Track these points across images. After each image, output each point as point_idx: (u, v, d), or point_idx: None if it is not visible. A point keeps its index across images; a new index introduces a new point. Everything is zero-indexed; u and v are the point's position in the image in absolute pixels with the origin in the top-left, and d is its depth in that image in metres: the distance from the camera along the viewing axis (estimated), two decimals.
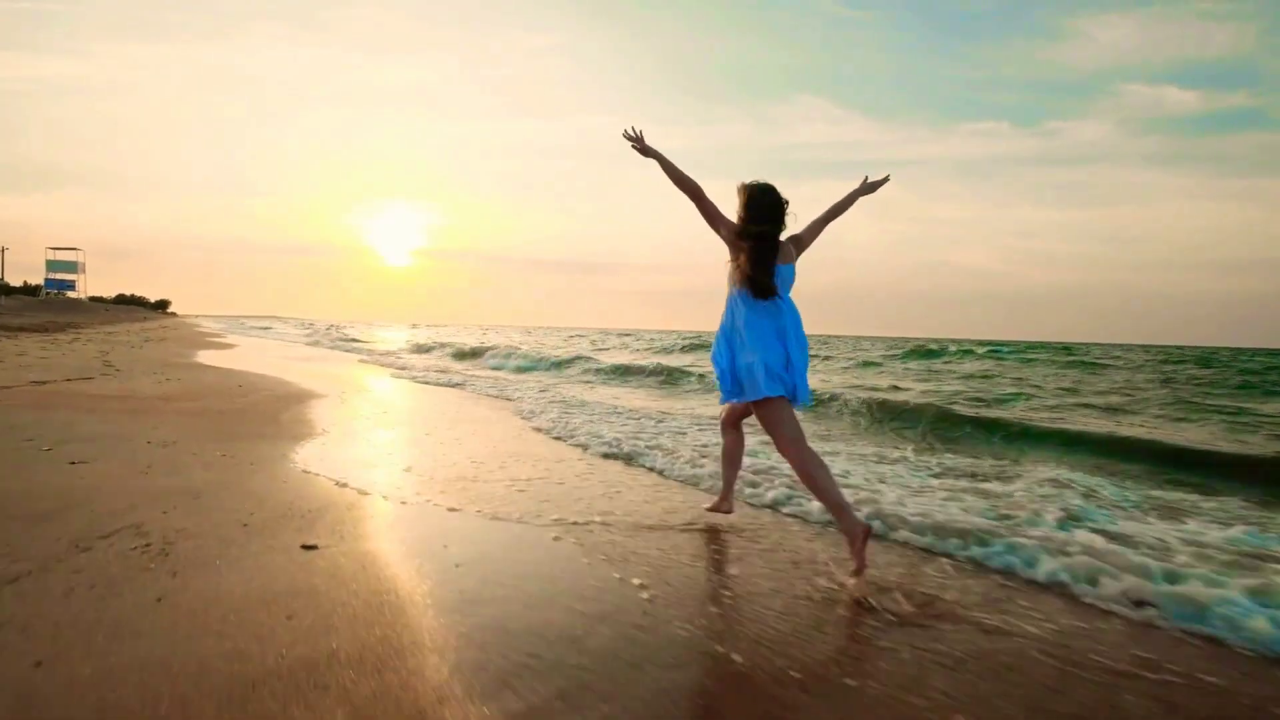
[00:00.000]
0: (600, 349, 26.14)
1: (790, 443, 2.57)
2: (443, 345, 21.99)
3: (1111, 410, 8.62)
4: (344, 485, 3.62)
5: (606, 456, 4.81)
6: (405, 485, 3.72)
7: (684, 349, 22.79)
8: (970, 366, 16.97)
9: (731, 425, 3.05)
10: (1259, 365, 19.97)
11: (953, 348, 25.53)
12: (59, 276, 69.37)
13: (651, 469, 4.44)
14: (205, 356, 13.96)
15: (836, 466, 4.41)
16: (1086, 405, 9.08)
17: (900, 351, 23.28)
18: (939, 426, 6.65)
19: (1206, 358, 25.35)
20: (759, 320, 2.58)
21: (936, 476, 4.35)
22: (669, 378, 11.57)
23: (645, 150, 2.73)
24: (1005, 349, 30.43)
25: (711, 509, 3.18)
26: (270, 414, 6.13)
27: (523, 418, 6.77)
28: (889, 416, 7.01)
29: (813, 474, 2.51)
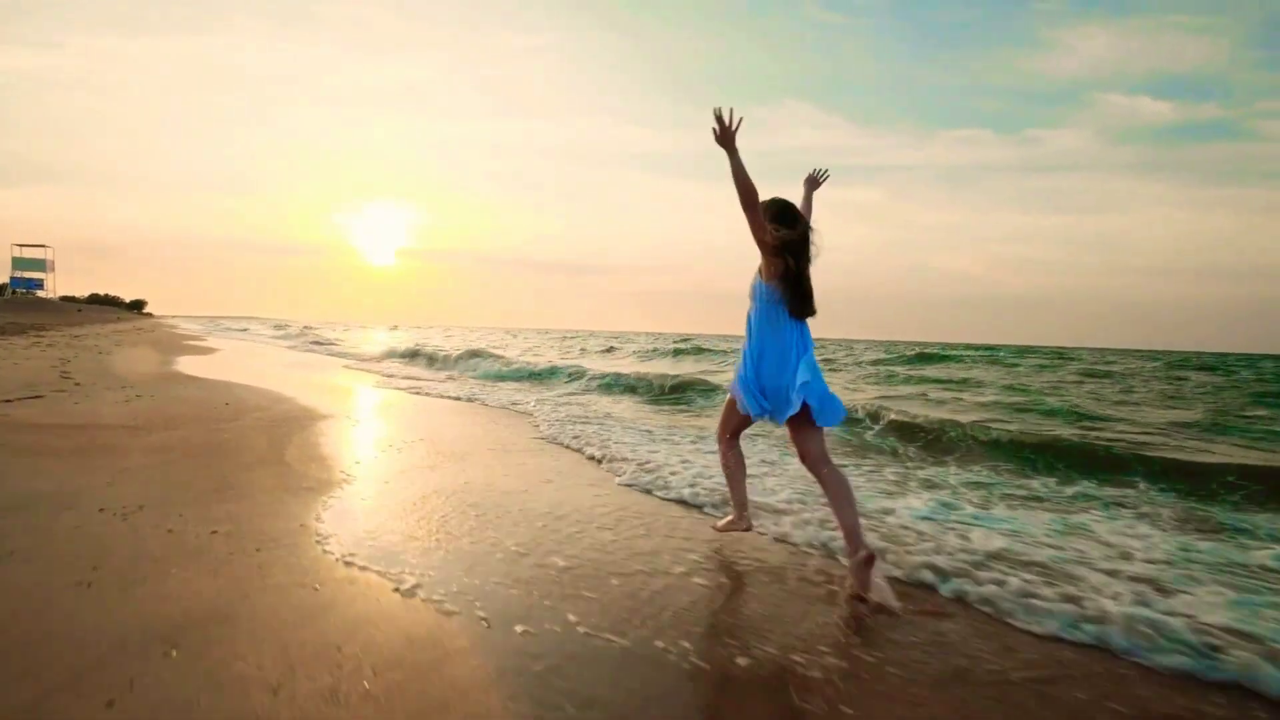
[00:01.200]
0: (596, 352, 24.80)
1: (821, 460, 2.56)
2: (425, 347, 20.51)
3: (1219, 430, 7.45)
4: (419, 596, 2.27)
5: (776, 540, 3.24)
6: (537, 594, 2.36)
7: (692, 354, 21.50)
8: (983, 374, 15.97)
9: (732, 437, 2.93)
10: (1265, 372, 19.34)
11: (942, 352, 24.87)
12: (26, 275, 66.52)
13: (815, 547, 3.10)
14: (184, 363, 12.40)
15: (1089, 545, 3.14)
16: (1181, 425, 7.85)
17: (894, 356, 22.32)
18: (1089, 464, 5.31)
19: (1213, 364, 24.77)
20: (791, 337, 2.58)
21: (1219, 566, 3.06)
22: (688, 394, 10.08)
23: (728, 140, 2.44)
24: (996, 352, 29.78)
25: (725, 528, 3.03)
26: (272, 447, 4.72)
27: (595, 463, 5.42)
28: (1027, 450, 5.71)
29: (837, 494, 2.51)
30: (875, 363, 19.38)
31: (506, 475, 4.36)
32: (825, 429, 2.56)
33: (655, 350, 24.24)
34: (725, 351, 22.43)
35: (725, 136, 2.43)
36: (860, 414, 6.93)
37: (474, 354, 16.30)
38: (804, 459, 2.58)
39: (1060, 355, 30.74)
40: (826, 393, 2.50)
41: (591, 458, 5.06)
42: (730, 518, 3.01)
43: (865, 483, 4.40)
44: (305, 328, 49.67)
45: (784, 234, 2.52)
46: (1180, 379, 16.73)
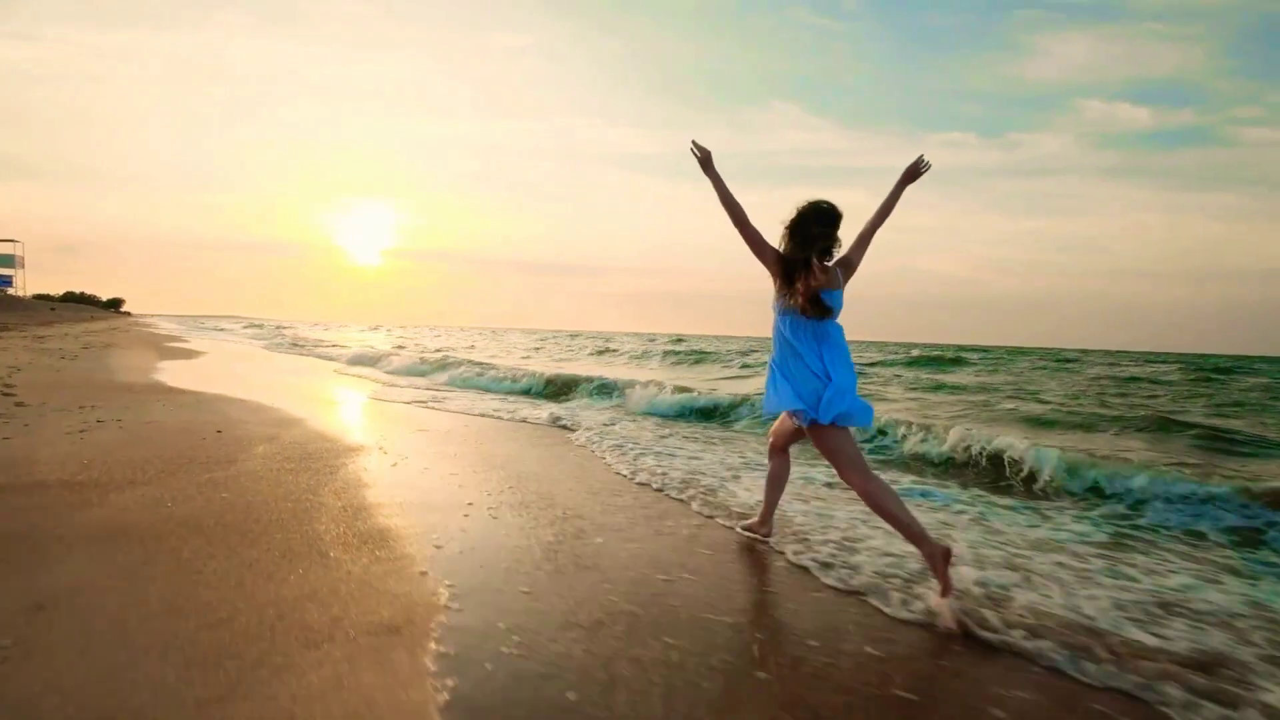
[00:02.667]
0: (598, 354, 23.07)
1: (856, 471, 2.51)
2: (415, 350, 18.65)
3: None
4: None
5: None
6: None
7: (695, 360, 19.81)
8: (1002, 380, 14.72)
9: (781, 449, 2.97)
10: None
11: (934, 354, 23.85)
12: None
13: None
14: (163, 370, 10.54)
15: None
16: None
17: (901, 358, 20.96)
18: None
19: (1229, 366, 23.94)
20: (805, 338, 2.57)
21: None
22: (726, 414, 8.19)
23: (707, 167, 2.65)
24: (986, 354, 28.80)
25: (748, 528, 3.12)
26: (301, 517, 3.01)
27: (728, 528, 3.74)
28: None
29: (883, 502, 2.45)
30: (873, 364, 18.11)
31: (678, 553, 2.68)
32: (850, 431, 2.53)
33: (670, 353, 22.55)
34: (720, 353, 20.92)
35: (705, 163, 2.64)
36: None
37: (472, 363, 14.33)
38: (836, 469, 2.54)
39: (1050, 357, 29.55)
40: (838, 393, 2.48)
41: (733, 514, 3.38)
42: (755, 520, 3.11)
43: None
44: (280, 327, 47.49)
45: (782, 253, 2.56)
46: (1206, 379, 15.65)
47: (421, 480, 4.03)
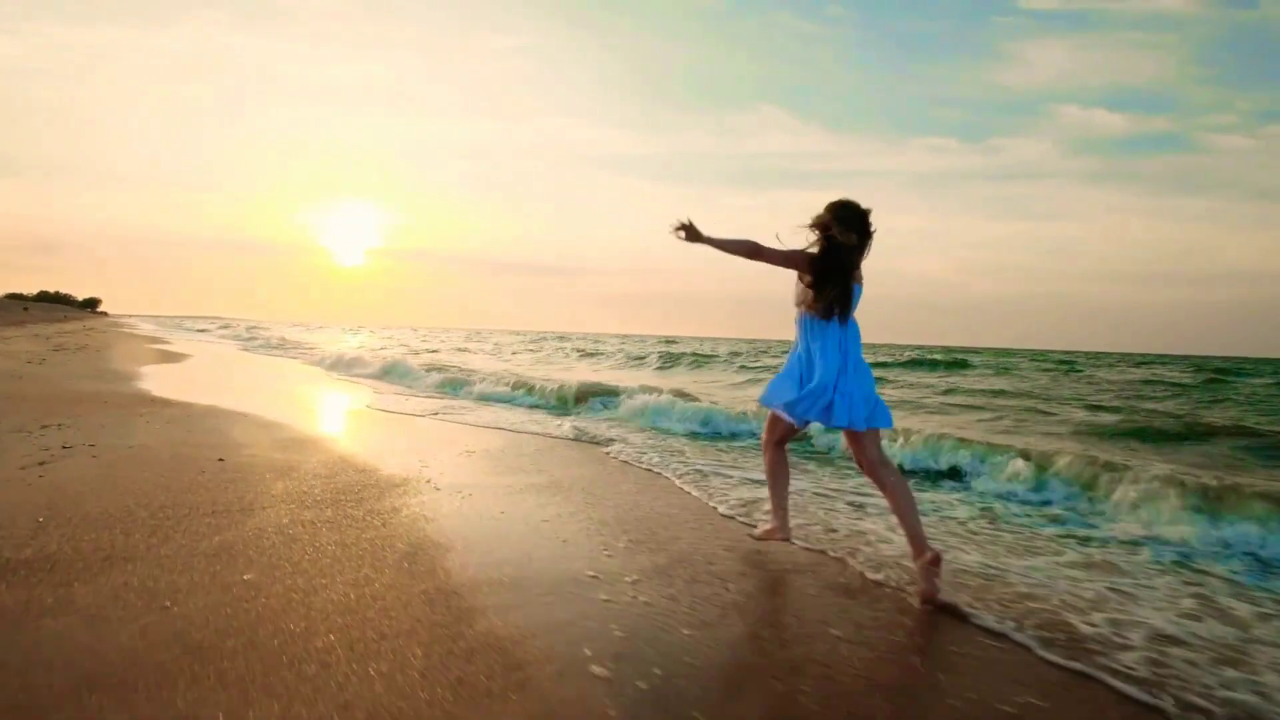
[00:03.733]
0: (575, 357, 22.06)
1: (878, 464, 2.50)
2: (405, 353, 17.49)
3: None
4: None
5: None
6: None
7: (694, 364, 18.83)
8: (1016, 384, 13.99)
9: (776, 444, 2.78)
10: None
11: (926, 357, 23.27)
12: None
13: None
14: (146, 376, 9.33)
15: None
16: None
17: (892, 360, 20.21)
18: None
19: (1220, 366, 23.76)
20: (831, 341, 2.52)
21: None
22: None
23: (695, 239, 2.52)
24: (974, 355, 28.35)
25: (763, 536, 2.84)
26: (372, 622, 1.95)
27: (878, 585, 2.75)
28: None
29: (899, 496, 2.46)
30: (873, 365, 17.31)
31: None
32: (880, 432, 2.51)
33: (665, 355, 21.57)
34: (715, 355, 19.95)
35: (691, 236, 2.50)
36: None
37: (471, 370, 13.13)
38: (860, 465, 2.54)
39: (1038, 358, 29.03)
40: (859, 397, 2.45)
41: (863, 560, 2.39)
42: (769, 526, 2.82)
43: None
44: (253, 327, 45.91)
45: (817, 277, 2.48)
46: (1217, 381, 15.09)
47: (507, 531, 2.98)
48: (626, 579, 2.45)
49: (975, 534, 3.34)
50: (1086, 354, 46.82)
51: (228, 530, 2.72)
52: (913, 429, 5.69)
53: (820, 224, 2.46)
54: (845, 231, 2.40)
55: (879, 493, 2.59)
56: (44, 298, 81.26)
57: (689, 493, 3.99)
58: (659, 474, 4.52)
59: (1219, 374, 18.08)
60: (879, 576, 2.62)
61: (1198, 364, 26.70)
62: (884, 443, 2.57)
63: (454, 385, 10.33)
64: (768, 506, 2.89)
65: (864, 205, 2.46)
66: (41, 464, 3.63)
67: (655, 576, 2.50)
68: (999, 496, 4.28)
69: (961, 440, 5.29)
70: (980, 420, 8.02)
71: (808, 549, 2.96)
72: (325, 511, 3.08)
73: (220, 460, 4.03)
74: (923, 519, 2.59)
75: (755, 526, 3.10)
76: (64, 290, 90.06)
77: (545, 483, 4.06)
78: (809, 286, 2.49)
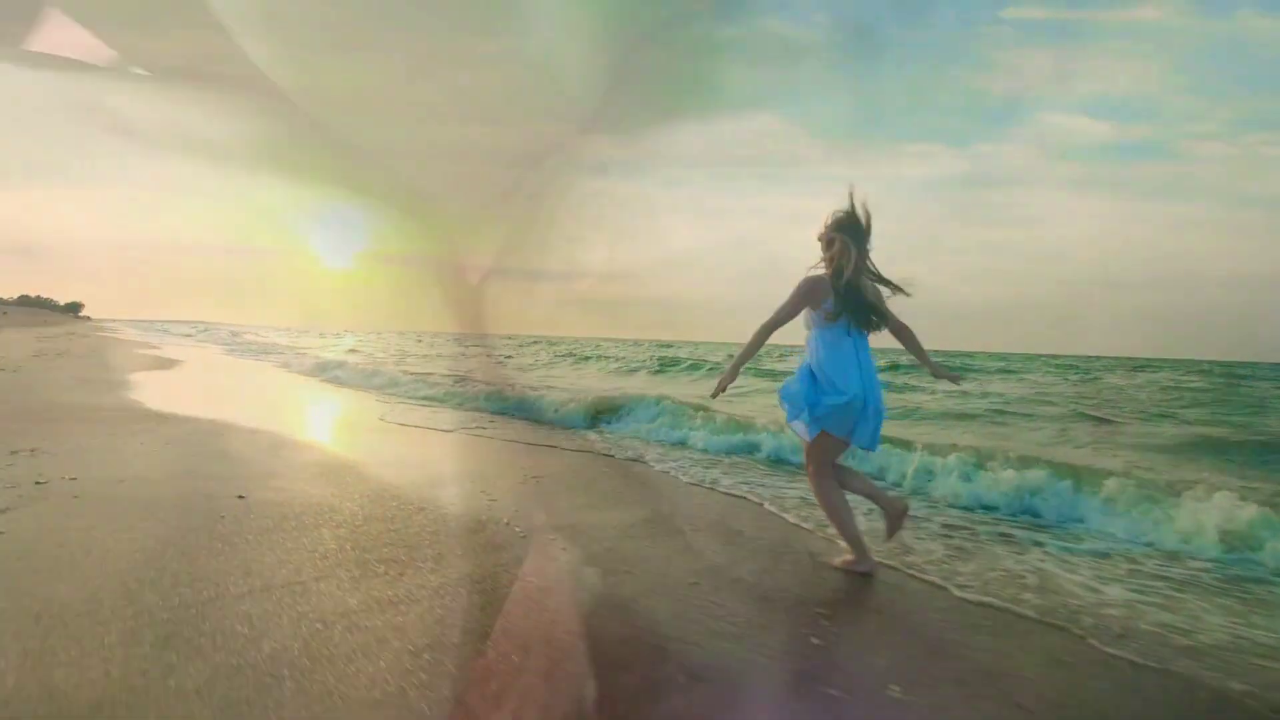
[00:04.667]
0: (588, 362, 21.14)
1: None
2: (397, 360, 16.47)
3: None
4: None
5: None
6: None
7: (691, 370, 18.00)
8: (1021, 389, 13.39)
9: (831, 468, 2.73)
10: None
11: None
12: None
13: None
14: (139, 385, 8.38)
15: None
16: None
17: (882, 365, 19.56)
18: None
19: (1229, 371, 23.24)
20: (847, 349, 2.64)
21: None
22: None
23: (732, 379, 2.66)
24: (971, 359, 28.01)
25: (847, 565, 2.68)
26: None
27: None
28: None
29: (831, 496, 2.67)
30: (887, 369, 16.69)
31: None
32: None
33: (663, 359, 20.73)
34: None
35: (727, 383, 2.65)
36: None
37: (472, 379, 12.15)
38: (821, 467, 2.68)
39: (1038, 363, 28.54)
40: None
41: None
42: (848, 557, 2.72)
43: None
44: (232, 332, 44.70)
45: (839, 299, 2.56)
46: (1234, 384, 14.55)
47: (645, 606, 2.15)
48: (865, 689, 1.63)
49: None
50: (1075, 358, 46.32)
51: (277, 629, 1.87)
52: (1040, 456, 4.78)
53: (824, 239, 2.61)
54: (845, 251, 2.52)
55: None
56: (24, 301, 79.32)
57: (788, 520, 3.18)
58: (744, 498, 3.73)
59: (1221, 376, 17.68)
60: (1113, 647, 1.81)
61: (1190, 367, 26.25)
62: None
63: (458, 395, 9.38)
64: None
65: (859, 204, 2.56)
66: (3, 511, 2.75)
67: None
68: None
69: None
70: (1061, 442, 7.25)
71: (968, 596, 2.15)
72: (400, 585, 2.23)
73: (241, 498, 3.17)
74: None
75: (847, 555, 2.76)
76: (45, 294, 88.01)
77: (647, 516, 3.24)
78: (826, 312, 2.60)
